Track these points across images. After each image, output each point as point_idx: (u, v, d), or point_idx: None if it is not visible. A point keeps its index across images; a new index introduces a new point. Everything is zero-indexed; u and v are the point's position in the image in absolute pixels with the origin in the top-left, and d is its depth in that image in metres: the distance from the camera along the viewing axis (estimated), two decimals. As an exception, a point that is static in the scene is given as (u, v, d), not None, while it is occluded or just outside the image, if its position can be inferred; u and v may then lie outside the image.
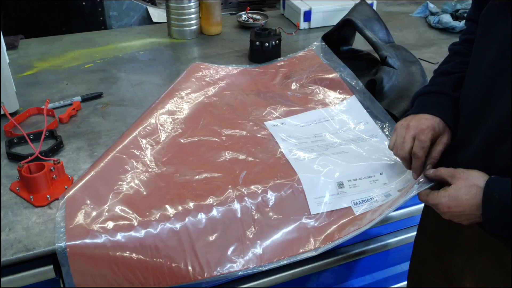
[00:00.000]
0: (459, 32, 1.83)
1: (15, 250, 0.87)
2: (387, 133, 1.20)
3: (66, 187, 1.01)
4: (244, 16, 1.93)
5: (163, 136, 1.17)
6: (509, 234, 0.81)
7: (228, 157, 1.12)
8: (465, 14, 1.83)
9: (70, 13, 2.13)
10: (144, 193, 1.00)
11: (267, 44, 1.55)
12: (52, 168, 1.01)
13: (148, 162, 1.08)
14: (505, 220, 0.79)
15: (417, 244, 1.21)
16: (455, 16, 1.91)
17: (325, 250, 0.99)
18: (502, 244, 0.89)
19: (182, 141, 1.16)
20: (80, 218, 0.92)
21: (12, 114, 1.23)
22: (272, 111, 1.31)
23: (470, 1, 1.85)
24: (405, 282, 1.30)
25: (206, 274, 0.93)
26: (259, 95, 1.38)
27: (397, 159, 1.08)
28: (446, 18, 1.87)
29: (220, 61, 1.58)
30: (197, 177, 1.05)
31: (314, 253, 0.98)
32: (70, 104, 1.31)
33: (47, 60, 1.59)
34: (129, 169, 1.05)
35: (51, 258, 0.91)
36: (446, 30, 1.88)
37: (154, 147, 1.13)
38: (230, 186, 1.02)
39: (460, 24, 1.84)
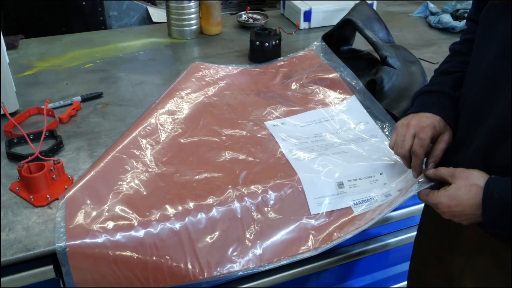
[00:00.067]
0: (459, 32, 1.83)
1: (15, 250, 0.87)
2: (387, 133, 1.20)
3: (66, 187, 1.01)
4: (244, 16, 1.93)
5: (163, 136, 1.17)
6: (509, 234, 0.81)
7: (228, 157, 1.12)
8: (465, 14, 1.84)
9: (70, 13, 2.13)
10: (144, 193, 1.00)
11: (267, 44, 1.55)
12: (52, 168, 1.01)
13: (148, 162, 1.08)
14: (505, 220, 0.79)
15: (417, 244, 1.21)
16: (455, 16, 1.91)
17: (325, 250, 0.99)
18: (502, 244, 0.89)
19: (182, 141, 1.16)
20: (80, 218, 0.92)
21: (12, 114, 1.23)
22: (272, 111, 1.31)
23: (470, 1, 1.86)
24: (405, 282, 1.30)
25: (206, 274, 0.93)
26: (259, 95, 1.38)
27: (397, 159, 1.08)
28: (446, 18, 1.87)
29: (220, 61, 1.58)
30: (197, 177, 1.05)
31: (314, 253, 0.98)
32: (70, 104, 1.31)
33: (47, 60, 1.59)
34: (129, 169, 1.05)
35: (51, 258, 0.91)
36: (446, 30, 1.88)
37: (154, 147, 1.13)
38: (230, 186, 1.02)
39: (460, 24, 1.84)
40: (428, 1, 2.02)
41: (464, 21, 1.83)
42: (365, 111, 1.28)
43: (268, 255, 0.98)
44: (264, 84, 1.44)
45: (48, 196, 0.98)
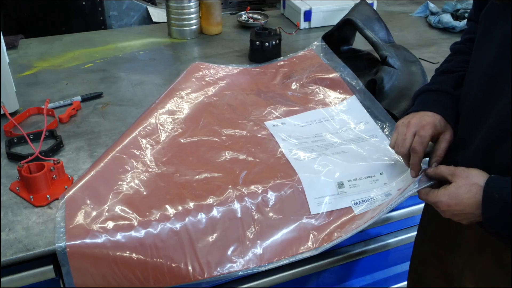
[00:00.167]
0: (459, 32, 1.83)
1: (15, 250, 0.87)
2: (387, 133, 1.20)
3: (66, 187, 1.01)
4: (244, 16, 1.93)
5: (163, 136, 1.17)
6: (509, 234, 0.81)
7: (228, 157, 1.12)
8: (466, 14, 1.85)
9: (70, 13, 2.13)
10: (144, 193, 1.00)
11: (267, 44, 1.55)
12: (52, 168, 1.01)
13: (148, 162, 1.08)
14: (505, 219, 0.79)
15: (417, 244, 1.21)
16: (456, 16, 1.91)
17: (325, 249, 0.98)
18: (502, 244, 0.89)
19: (182, 141, 1.16)
20: (80, 218, 0.92)
21: (12, 114, 1.23)
22: (272, 111, 1.31)
23: (471, 1, 1.86)
24: (405, 282, 1.31)
25: (206, 274, 0.93)
26: (259, 95, 1.38)
27: (398, 159, 1.08)
28: (447, 18, 1.87)
29: (220, 61, 1.58)
30: (197, 177, 1.05)
31: (314, 253, 0.98)
32: (70, 104, 1.31)
33: (47, 60, 1.59)
34: (129, 169, 1.05)
35: (51, 258, 0.91)
36: (446, 30, 1.88)
37: (154, 147, 1.13)
38: (230, 186, 1.02)
39: (461, 24, 1.84)
40: (428, 1, 2.02)
41: (464, 21, 1.83)
42: (365, 111, 1.28)
43: (268, 255, 0.98)
44: (264, 84, 1.44)
45: (48, 196, 0.98)
